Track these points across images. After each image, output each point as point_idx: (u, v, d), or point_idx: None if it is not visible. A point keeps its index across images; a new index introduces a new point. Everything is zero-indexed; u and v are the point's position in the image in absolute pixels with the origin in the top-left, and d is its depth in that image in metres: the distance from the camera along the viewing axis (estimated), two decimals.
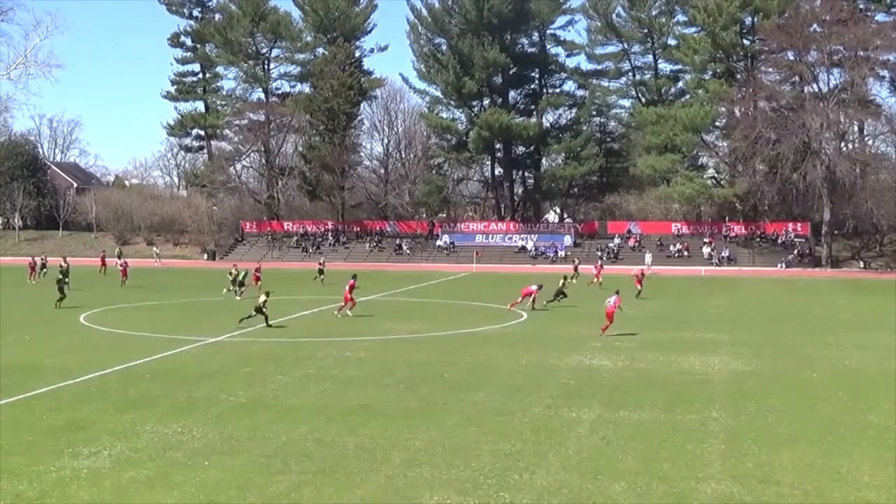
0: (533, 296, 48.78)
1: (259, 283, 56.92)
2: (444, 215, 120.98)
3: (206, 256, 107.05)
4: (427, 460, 19.19)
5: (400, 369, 29.98)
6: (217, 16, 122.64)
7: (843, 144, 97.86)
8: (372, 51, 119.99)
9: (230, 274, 56.22)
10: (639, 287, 55.36)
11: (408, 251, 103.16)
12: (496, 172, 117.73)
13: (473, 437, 21.07)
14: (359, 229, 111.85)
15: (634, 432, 21.61)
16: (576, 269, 70.47)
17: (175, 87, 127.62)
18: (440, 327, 40.92)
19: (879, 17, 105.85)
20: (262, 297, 40.64)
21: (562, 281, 51.89)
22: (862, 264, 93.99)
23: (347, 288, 46.34)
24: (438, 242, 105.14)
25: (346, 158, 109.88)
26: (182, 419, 22.64)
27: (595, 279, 64.24)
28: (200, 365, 30.99)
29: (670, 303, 48.79)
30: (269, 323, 40.11)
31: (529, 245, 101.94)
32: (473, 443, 20.60)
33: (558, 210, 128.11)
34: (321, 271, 68.64)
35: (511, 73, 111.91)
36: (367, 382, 27.70)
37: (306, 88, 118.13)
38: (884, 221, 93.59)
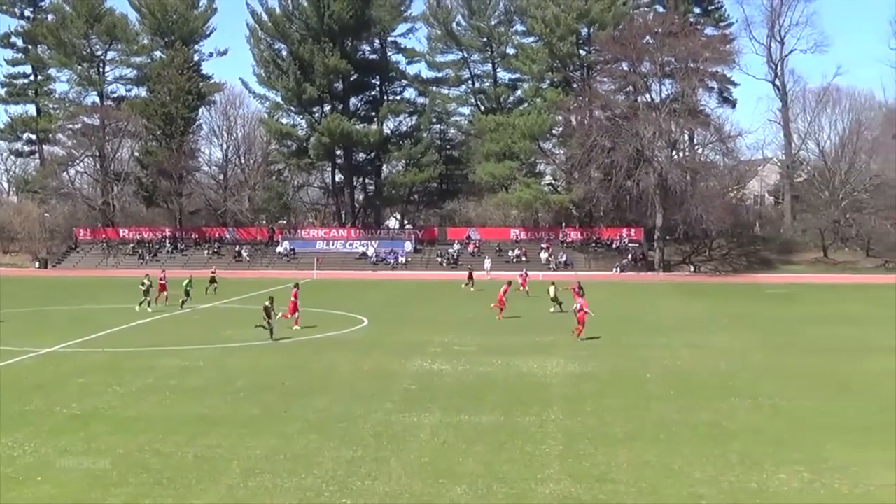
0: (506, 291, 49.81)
1: (165, 291, 54.49)
2: (285, 222, 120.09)
3: (37, 264, 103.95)
4: (268, 468, 19.22)
5: (240, 377, 29.84)
6: (50, 16, 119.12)
7: (674, 152, 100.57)
8: (211, 55, 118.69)
9: (142, 284, 53.25)
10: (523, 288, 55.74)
11: (247, 258, 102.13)
12: (337, 179, 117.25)
13: (315, 444, 21.18)
14: (197, 236, 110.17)
15: (475, 435, 22.00)
16: (470, 275, 70.83)
17: (5, 89, 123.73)
18: (281, 334, 40.73)
19: (709, 30, 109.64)
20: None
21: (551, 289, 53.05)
22: (692, 268, 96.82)
23: (293, 298, 45.38)
24: (279, 249, 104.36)
25: (184, 164, 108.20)
26: (13, 433, 22.18)
27: (521, 287, 62.67)
28: (34, 376, 30.27)
29: (509, 307, 49.48)
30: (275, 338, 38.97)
31: (370, 251, 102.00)
32: (315, 450, 20.71)
33: (399, 216, 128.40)
34: (213, 279, 66.22)
35: (352, 79, 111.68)
36: (207, 391, 27.53)
37: (143, 92, 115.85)
38: (713, 227, 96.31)
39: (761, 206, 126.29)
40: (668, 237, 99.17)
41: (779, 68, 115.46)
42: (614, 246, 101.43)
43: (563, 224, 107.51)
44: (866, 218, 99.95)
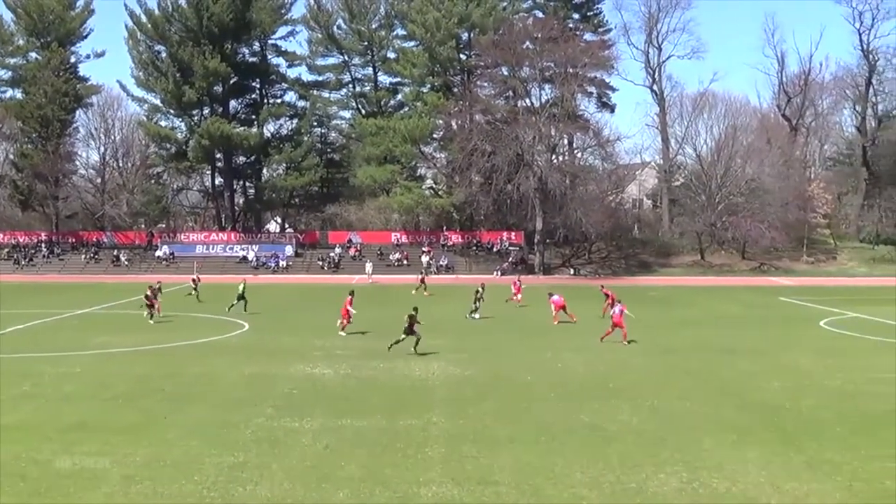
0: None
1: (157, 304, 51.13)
2: (164, 226, 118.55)
3: None
4: (148, 476, 18.83)
5: (119, 383, 29.24)
6: None
7: (553, 157, 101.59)
8: (88, 56, 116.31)
9: (152, 290, 50.39)
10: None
11: (126, 263, 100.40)
12: (217, 182, 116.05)
13: (196, 451, 20.83)
14: (74, 240, 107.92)
15: (357, 439, 21.88)
16: (422, 280, 70.35)
17: None
18: (161, 339, 40.10)
19: (588, 36, 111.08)
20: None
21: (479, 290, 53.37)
22: (572, 271, 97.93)
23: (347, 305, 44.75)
24: (158, 253, 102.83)
25: (61, 167, 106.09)
26: None
27: (514, 297, 60.21)
28: None
29: (392, 311, 49.43)
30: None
31: (251, 255, 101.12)
32: (196, 456, 20.36)
33: (279, 220, 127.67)
34: (195, 287, 63.98)
35: (232, 82, 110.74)
36: (84, 398, 26.90)
37: (18, 94, 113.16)
38: (592, 230, 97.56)
39: (640, 209, 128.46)
40: (548, 240, 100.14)
41: (656, 74, 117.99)
42: (495, 249, 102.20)
43: (444, 228, 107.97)
44: (742, 221, 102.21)
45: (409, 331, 35.98)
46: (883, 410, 25.84)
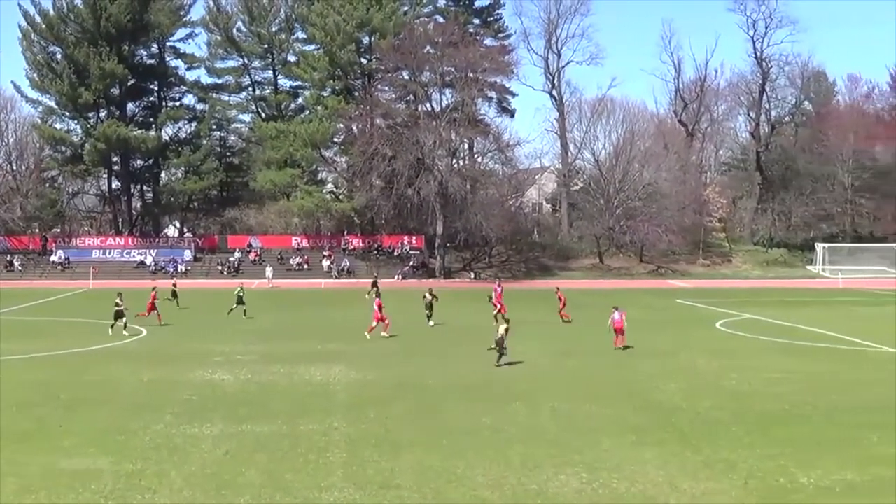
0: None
1: (155, 311, 49.43)
2: (59, 230, 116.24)
3: None
4: (43, 485, 18.51)
5: (13, 391, 28.63)
6: None
7: (454, 161, 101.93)
8: None
9: (173, 293, 47.19)
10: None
11: (20, 268, 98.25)
12: (113, 186, 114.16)
13: (93, 458, 20.52)
14: None
15: (258, 445, 21.76)
16: (374, 284, 69.64)
17: None
18: (57, 346, 39.38)
19: (488, 41, 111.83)
20: (503, 328, 35.48)
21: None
22: (473, 275, 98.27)
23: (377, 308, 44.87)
24: (52, 258, 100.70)
25: None
26: None
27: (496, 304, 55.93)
28: None
29: (292, 315, 49.22)
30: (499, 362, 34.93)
31: (149, 260, 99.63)
32: (93, 464, 20.06)
33: (178, 224, 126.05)
34: (175, 293, 61.50)
35: (129, 84, 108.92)
36: None
37: None
38: (492, 234, 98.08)
39: (539, 213, 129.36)
40: (448, 244, 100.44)
41: (556, 79, 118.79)
42: (396, 253, 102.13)
43: (345, 232, 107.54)
44: (640, 225, 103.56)
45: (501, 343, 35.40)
46: (776, 410, 26.44)
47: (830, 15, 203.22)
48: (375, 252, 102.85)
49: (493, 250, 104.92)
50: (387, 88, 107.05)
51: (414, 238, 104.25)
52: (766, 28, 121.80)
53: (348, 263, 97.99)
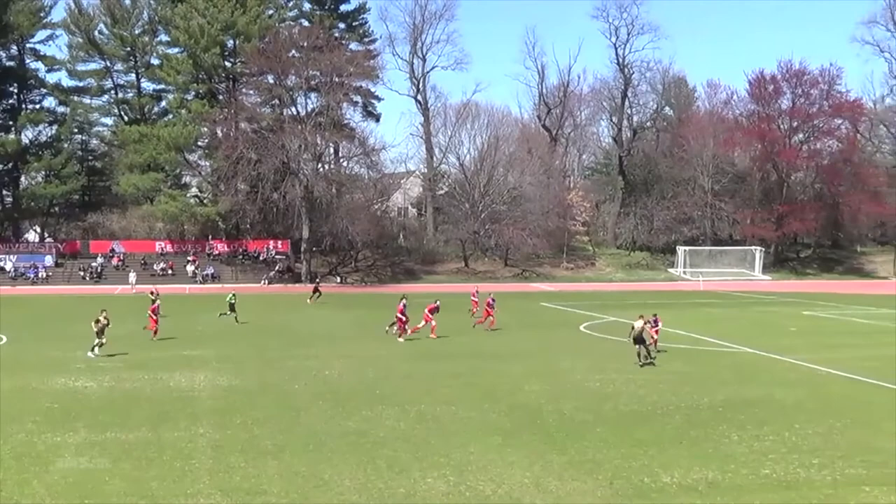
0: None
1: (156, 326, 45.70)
2: None
3: None
4: None
5: None
6: None
7: (320, 165, 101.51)
8: None
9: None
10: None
11: None
12: None
13: None
14: None
15: (122, 453, 21.39)
16: (316, 289, 69.18)
17: None
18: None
19: (353, 45, 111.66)
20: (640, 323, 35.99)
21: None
22: (339, 279, 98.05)
23: (427, 311, 45.63)
24: None
25: None
26: None
27: (472, 313, 56.11)
28: None
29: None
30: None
31: (9, 266, 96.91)
32: None
33: (39, 229, 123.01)
34: (154, 300, 58.84)
35: None
36: None
37: None
38: (358, 239, 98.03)
39: (405, 217, 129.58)
40: (314, 249, 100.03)
41: (421, 84, 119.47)
42: (261, 258, 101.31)
43: (210, 237, 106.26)
44: (504, 229, 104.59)
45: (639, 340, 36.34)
46: (639, 410, 26.96)
47: (690, 23, 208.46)
48: (241, 257, 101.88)
49: (359, 254, 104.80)
50: (252, 92, 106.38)
51: (279, 243, 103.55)
52: (628, 35, 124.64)
53: (213, 269, 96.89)
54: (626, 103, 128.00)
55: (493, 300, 51.23)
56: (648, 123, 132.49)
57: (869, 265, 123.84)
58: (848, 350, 41.62)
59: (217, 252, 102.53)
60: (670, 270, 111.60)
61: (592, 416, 25.92)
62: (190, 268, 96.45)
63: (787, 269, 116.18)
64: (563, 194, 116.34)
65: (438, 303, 47.57)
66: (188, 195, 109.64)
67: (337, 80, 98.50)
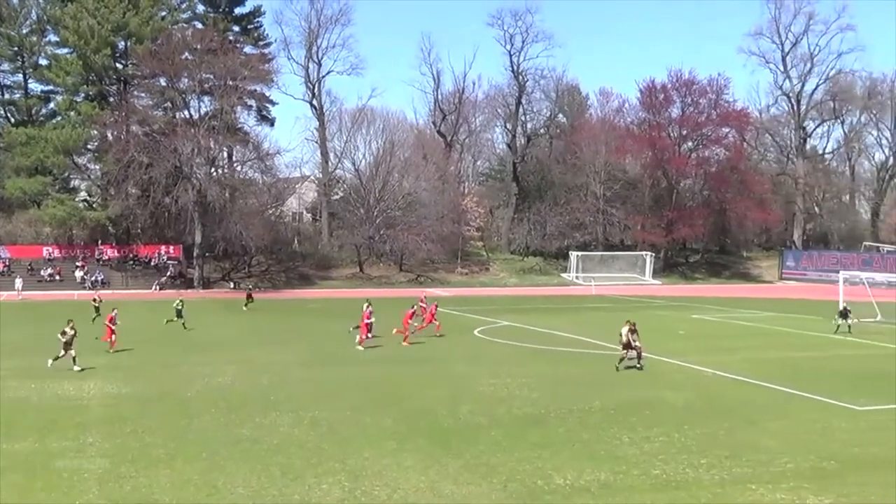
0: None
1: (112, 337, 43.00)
2: None
3: None
4: None
5: None
6: None
7: (213, 170, 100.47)
8: None
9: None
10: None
11: None
12: None
13: None
14: None
15: (8, 464, 20.88)
16: (249, 295, 68.52)
17: None
18: None
19: (248, 49, 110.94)
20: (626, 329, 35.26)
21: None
22: (232, 285, 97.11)
23: (421, 314, 46.80)
24: None
25: None
26: None
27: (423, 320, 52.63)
28: None
29: (44, 329, 47.44)
30: None
31: None
32: None
33: None
34: (97, 308, 56.11)
35: None
36: None
37: None
38: (252, 244, 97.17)
39: (300, 222, 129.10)
40: (207, 254, 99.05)
41: (316, 88, 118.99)
42: (153, 263, 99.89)
43: (100, 241, 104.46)
44: (399, 234, 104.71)
45: (628, 345, 36.47)
46: (533, 413, 27.19)
47: (583, 31, 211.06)
48: (131, 262, 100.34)
49: (253, 260, 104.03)
50: (143, 95, 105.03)
51: (171, 248, 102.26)
52: (523, 42, 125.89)
53: (102, 274, 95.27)
54: (521, 110, 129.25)
55: (436, 306, 51.23)
56: (542, 130, 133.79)
57: (755, 270, 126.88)
58: (734, 352, 42.59)
59: (107, 257, 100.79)
60: (563, 275, 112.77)
61: (487, 420, 26.05)
62: (79, 273, 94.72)
63: (676, 274, 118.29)
64: (458, 200, 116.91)
65: (415, 308, 48.50)
66: (77, 199, 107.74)
67: (231, 83, 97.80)
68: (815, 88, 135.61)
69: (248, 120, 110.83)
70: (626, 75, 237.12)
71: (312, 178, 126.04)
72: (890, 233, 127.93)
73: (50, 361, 35.37)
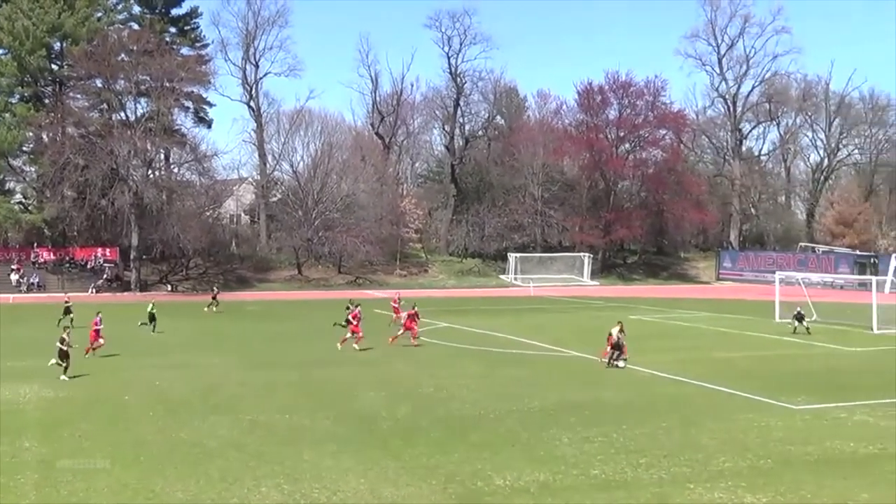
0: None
1: (98, 340, 41.53)
2: None
3: None
4: None
5: None
6: None
7: (150, 172, 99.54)
8: None
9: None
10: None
11: None
12: None
13: None
14: None
15: None
16: (214, 297, 68.38)
17: None
18: None
19: (185, 50, 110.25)
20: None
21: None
22: (170, 287, 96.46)
23: (406, 317, 46.26)
24: None
25: None
26: None
27: (394, 322, 54.91)
28: None
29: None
30: None
31: None
32: None
33: None
34: (67, 310, 54.42)
35: None
36: None
37: None
38: (189, 246, 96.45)
39: (238, 224, 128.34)
40: (144, 257, 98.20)
41: (253, 90, 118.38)
42: (89, 266, 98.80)
43: (35, 244, 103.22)
44: (338, 236, 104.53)
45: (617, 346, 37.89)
46: (472, 414, 27.33)
47: (521, 33, 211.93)
48: (67, 265, 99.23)
49: (191, 262, 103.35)
50: (79, 96, 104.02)
51: (108, 250, 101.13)
52: (461, 44, 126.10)
53: (38, 277, 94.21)
54: (459, 112, 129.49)
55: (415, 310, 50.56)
56: (480, 132, 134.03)
57: (692, 270, 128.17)
58: (672, 352, 43.06)
59: (42, 260, 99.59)
60: (502, 277, 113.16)
61: (426, 422, 26.15)
62: (14, 276, 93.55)
63: (614, 275, 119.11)
64: (397, 202, 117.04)
65: (416, 308, 49.04)
66: (12, 202, 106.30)
67: (168, 85, 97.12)
68: (751, 90, 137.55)
69: (185, 122, 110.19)
70: (564, 77, 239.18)
71: (250, 179, 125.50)
72: (825, 233, 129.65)
73: (63, 376, 34.14)
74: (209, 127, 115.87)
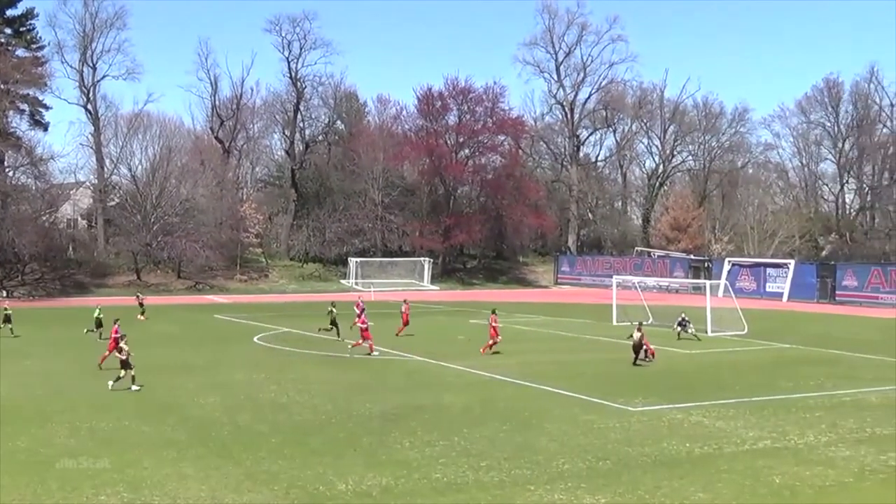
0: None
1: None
2: None
3: None
4: None
5: None
6: None
7: None
8: None
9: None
10: None
11: None
12: None
13: None
14: None
15: None
16: (140, 303, 66.92)
17: None
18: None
19: (20, 52, 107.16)
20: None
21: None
22: (5, 293, 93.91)
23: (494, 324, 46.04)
24: None
25: None
26: None
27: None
28: None
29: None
30: None
31: None
32: None
33: None
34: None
35: None
36: None
37: None
38: (25, 251, 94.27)
39: (75, 229, 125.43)
40: None
41: (91, 93, 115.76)
42: None
43: None
44: (177, 241, 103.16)
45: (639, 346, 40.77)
46: (313, 419, 27.58)
47: (361, 38, 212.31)
48: None
49: (27, 267, 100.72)
50: None
51: None
52: (301, 49, 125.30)
53: None
54: (299, 116, 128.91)
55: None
56: (320, 137, 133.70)
57: (531, 275, 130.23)
58: (512, 356, 43.75)
59: None
60: (343, 282, 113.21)
61: (267, 427, 26.31)
62: None
63: (454, 280, 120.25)
64: (237, 206, 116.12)
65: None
66: None
67: (2, 87, 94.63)
68: (588, 97, 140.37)
69: (20, 124, 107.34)
70: (405, 82, 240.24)
71: (88, 184, 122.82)
72: (660, 238, 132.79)
73: (110, 383, 33.28)
74: (45, 130, 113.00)
